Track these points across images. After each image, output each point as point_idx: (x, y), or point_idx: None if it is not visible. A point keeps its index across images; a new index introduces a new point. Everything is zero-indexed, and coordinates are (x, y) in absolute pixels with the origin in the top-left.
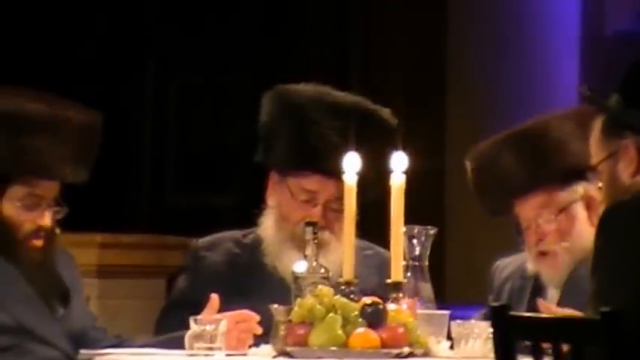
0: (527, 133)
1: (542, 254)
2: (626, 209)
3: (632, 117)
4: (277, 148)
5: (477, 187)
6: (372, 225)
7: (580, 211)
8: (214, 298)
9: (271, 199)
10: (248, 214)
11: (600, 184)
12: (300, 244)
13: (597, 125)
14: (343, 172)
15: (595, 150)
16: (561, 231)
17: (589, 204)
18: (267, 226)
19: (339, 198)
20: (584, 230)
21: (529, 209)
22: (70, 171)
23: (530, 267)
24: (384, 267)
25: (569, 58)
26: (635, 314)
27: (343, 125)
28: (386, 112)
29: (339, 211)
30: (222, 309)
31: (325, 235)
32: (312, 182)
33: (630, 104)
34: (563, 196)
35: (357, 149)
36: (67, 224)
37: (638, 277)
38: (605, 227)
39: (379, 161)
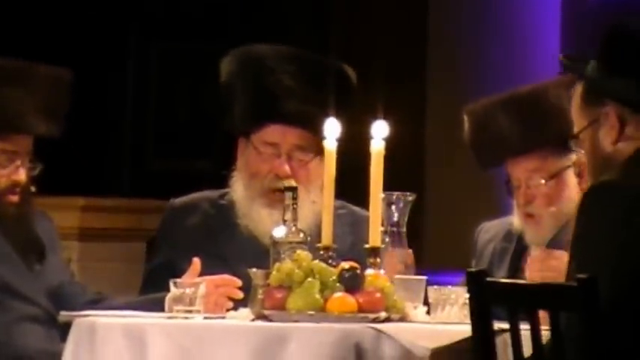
0: (525, 97)
1: (529, 216)
2: (606, 191)
3: (612, 84)
4: (237, 106)
5: (472, 142)
6: (351, 190)
7: (571, 177)
8: (196, 262)
9: (240, 162)
10: (227, 178)
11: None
12: (269, 199)
13: (577, 93)
14: (302, 118)
15: (576, 118)
16: (550, 196)
17: (581, 171)
18: (237, 188)
19: (302, 147)
20: (573, 196)
21: (521, 170)
22: (42, 124)
23: (516, 223)
24: (357, 225)
25: (552, 25)
26: (609, 300)
27: (296, 69)
28: (344, 65)
29: (304, 160)
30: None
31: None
32: (272, 133)
33: (609, 71)
34: (556, 161)
35: (312, 94)
36: (49, 187)
37: (615, 263)
38: (585, 210)
39: (335, 108)
